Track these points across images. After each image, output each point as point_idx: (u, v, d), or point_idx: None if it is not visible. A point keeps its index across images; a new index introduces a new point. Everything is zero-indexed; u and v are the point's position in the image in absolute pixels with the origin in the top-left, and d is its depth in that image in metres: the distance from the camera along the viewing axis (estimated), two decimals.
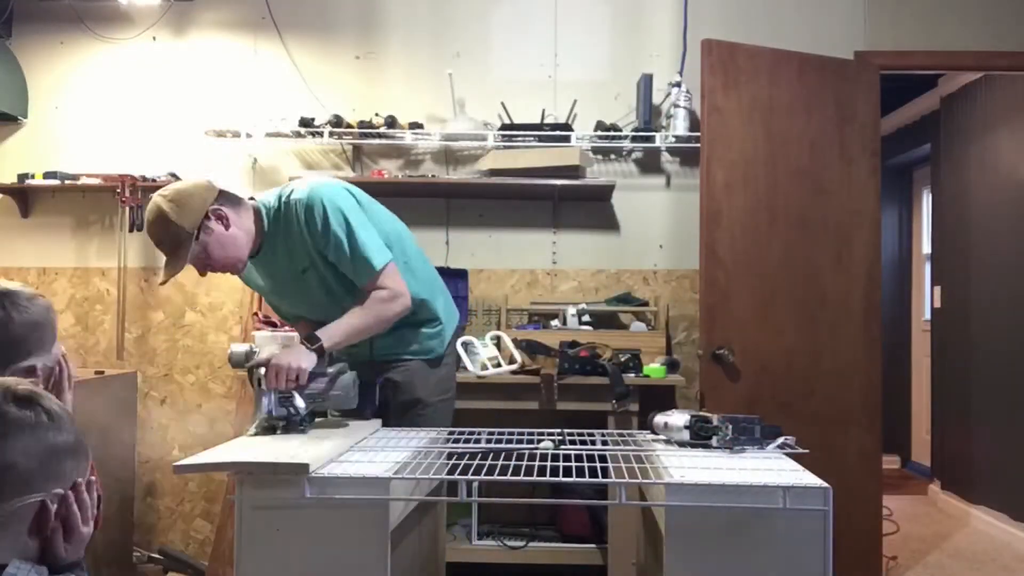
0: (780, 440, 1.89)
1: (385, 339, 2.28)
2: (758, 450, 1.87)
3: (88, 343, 3.78)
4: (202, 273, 2.16)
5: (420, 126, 3.60)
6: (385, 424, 2.23)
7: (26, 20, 3.82)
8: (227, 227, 2.10)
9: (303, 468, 1.61)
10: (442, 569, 2.43)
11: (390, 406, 2.33)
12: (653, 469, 1.76)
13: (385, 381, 2.31)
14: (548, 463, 1.74)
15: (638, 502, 2.09)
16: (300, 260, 2.19)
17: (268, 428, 1.96)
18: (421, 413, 2.31)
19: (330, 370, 2.08)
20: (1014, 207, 4.25)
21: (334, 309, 2.19)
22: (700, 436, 1.91)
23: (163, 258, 2.11)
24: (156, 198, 2.07)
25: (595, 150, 3.67)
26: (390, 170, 3.69)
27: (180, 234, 2.04)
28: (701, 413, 1.96)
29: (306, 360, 2.02)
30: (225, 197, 2.14)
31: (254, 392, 2.00)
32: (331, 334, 2.11)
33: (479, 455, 1.81)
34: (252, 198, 2.25)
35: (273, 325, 3.44)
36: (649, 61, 3.68)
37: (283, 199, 2.19)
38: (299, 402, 1.96)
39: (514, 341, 3.27)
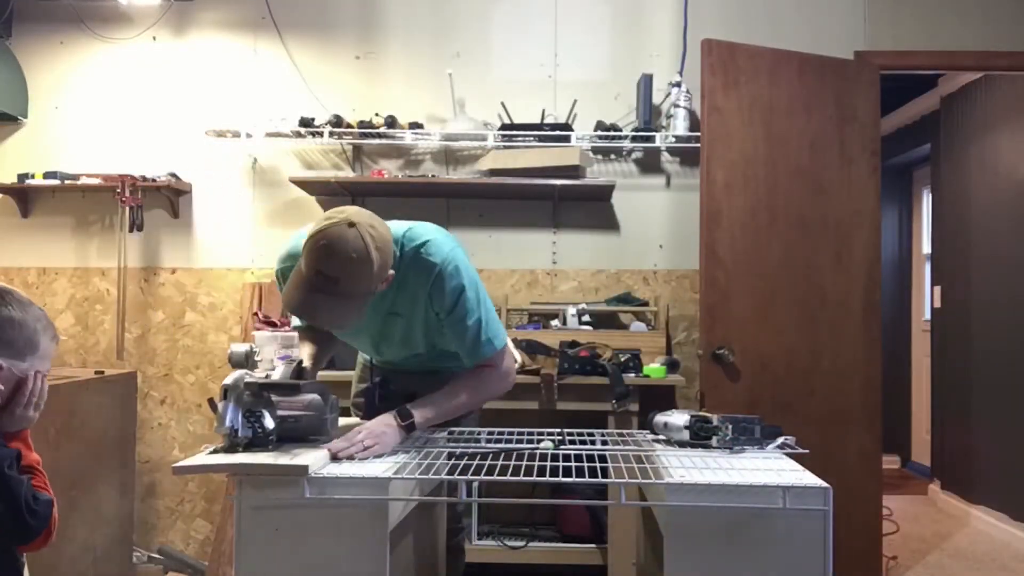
0: (780, 440, 1.89)
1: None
2: (758, 450, 1.87)
3: (88, 343, 3.78)
4: (312, 320, 1.89)
5: (420, 126, 3.60)
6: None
7: (26, 20, 3.83)
8: (379, 289, 1.83)
9: (302, 469, 1.61)
10: (442, 569, 2.43)
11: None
12: (653, 469, 1.76)
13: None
14: (548, 463, 1.74)
15: (638, 502, 2.09)
16: (399, 307, 1.99)
17: (231, 447, 1.73)
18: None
19: (306, 397, 1.87)
20: (1014, 207, 4.25)
21: (398, 352, 2.09)
22: (700, 436, 1.91)
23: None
24: (364, 229, 1.72)
25: (595, 150, 3.67)
26: (390, 170, 3.69)
27: (366, 286, 1.76)
28: (701, 413, 1.96)
29: (393, 440, 1.83)
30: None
31: (219, 404, 1.76)
32: (426, 413, 1.91)
33: (479, 455, 1.80)
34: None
35: (273, 325, 3.44)
36: (649, 61, 3.68)
37: (411, 251, 1.93)
38: (268, 422, 1.76)
39: (514, 341, 3.27)
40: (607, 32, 3.73)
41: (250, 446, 1.73)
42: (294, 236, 2.00)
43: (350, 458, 1.74)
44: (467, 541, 3.28)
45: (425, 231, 1.98)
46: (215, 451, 1.73)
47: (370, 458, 1.76)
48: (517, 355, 3.18)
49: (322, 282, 1.71)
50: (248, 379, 1.79)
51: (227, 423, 1.72)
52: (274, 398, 1.82)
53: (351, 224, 1.72)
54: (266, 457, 1.68)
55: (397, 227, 1.97)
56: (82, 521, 3.14)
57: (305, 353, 2.08)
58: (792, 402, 3.22)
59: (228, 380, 1.77)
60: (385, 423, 1.87)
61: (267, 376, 1.87)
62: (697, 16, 3.66)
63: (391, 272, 1.83)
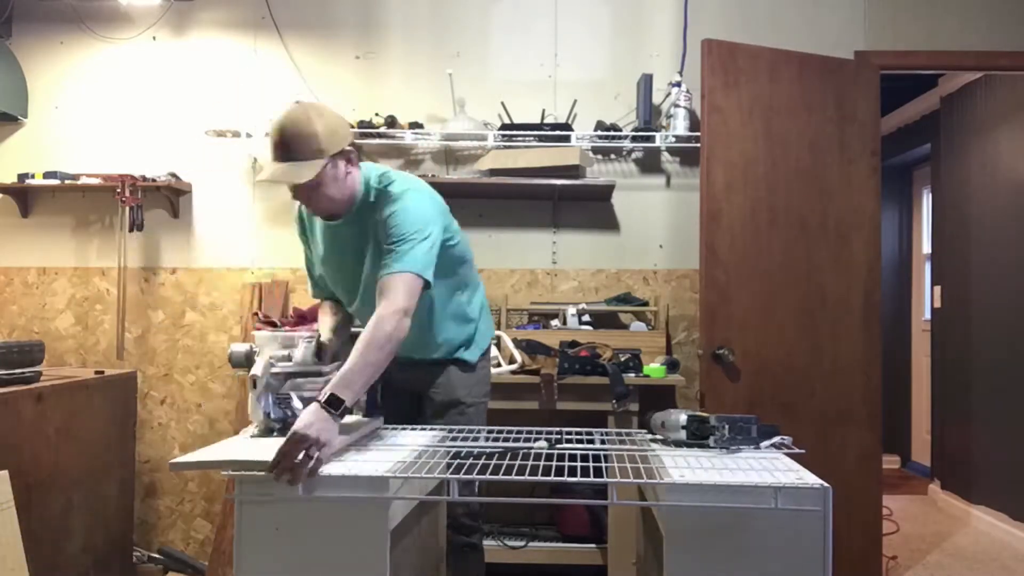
0: (775, 439, 1.89)
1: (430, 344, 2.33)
2: (754, 450, 1.87)
3: (88, 343, 3.78)
4: (301, 198, 2.10)
5: (420, 126, 3.60)
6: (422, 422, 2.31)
7: (26, 20, 3.83)
8: (349, 173, 2.07)
9: None
10: (442, 569, 2.43)
11: (425, 406, 2.39)
12: (653, 469, 1.76)
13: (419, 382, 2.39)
14: (550, 463, 1.74)
15: (638, 502, 2.09)
16: (363, 241, 2.17)
17: (266, 430, 1.94)
18: (463, 413, 2.37)
19: (326, 369, 2.00)
20: (1014, 207, 4.25)
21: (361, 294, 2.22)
22: (697, 436, 1.91)
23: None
24: (304, 106, 2.02)
25: (595, 150, 3.67)
26: None
27: (315, 149, 1.97)
28: (698, 413, 1.96)
29: (330, 433, 1.71)
30: (354, 145, 2.13)
31: (250, 393, 1.96)
32: (352, 387, 1.83)
33: (478, 455, 1.81)
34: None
35: (273, 325, 3.44)
36: (649, 61, 3.68)
37: (379, 189, 2.14)
38: (296, 404, 1.93)
39: (514, 341, 3.27)
40: (607, 32, 3.73)
41: (284, 429, 1.83)
42: None
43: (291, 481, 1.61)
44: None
45: (398, 175, 2.17)
46: (255, 435, 1.90)
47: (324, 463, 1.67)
48: (517, 355, 3.18)
49: (280, 152, 1.98)
50: (276, 368, 1.94)
51: (260, 409, 1.90)
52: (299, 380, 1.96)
53: (297, 103, 2.05)
54: (262, 454, 1.68)
55: (375, 168, 2.18)
56: (82, 521, 3.14)
57: (325, 327, 2.23)
58: (792, 402, 3.22)
59: (257, 370, 1.90)
60: (320, 420, 1.70)
61: (288, 356, 1.99)
62: (697, 16, 3.66)
63: (349, 149, 2.05)
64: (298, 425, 1.67)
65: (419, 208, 2.10)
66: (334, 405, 1.75)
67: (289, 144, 1.97)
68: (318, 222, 2.23)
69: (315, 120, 1.98)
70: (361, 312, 2.26)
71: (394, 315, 1.94)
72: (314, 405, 1.75)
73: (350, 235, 2.17)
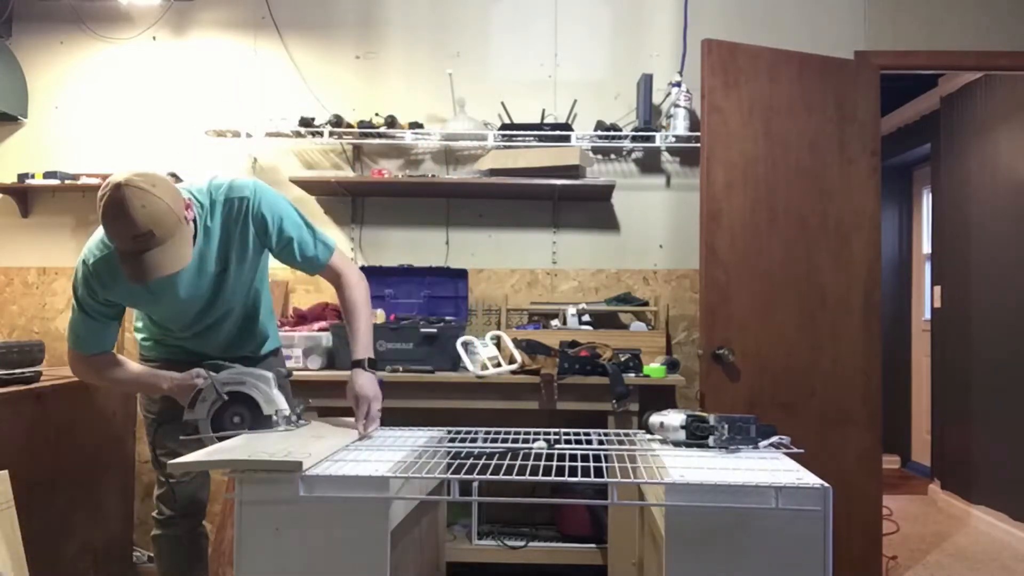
0: (775, 439, 1.89)
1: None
2: (753, 449, 1.87)
3: None
4: (164, 272, 1.87)
5: (420, 126, 3.60)
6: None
7: (26, 20, 3.83)
8: (189, 220, 1.93)
9: (296, 466, 1.60)
10: (442, 569, 2.43)
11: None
12: (653, 469, 1.76)
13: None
14: (550, 463, 1.74)
15: (638, 502, 2.09)
16: (227, 258, 2.11)
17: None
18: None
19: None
20: (1014, 207, 4.25)
21: (223, 320, 2.23)
22: (696, 436, 1.91)
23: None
24: (134, 180, 1.79)
25: (595, 150, 3.67)
26: (390, 170, 3.69)
27: (174, 220, 1.83)
28: (697, 413, 1.96)
29: (378, 388, 2.11)
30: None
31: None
32: (369, 347, 2.16)
33: (479, 455, 1.81)
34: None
35: None
36: (649, 61, 3.68)
37: (221, 196, 2.07)
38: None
39: (514, 341, 3.27)
40: (607, 32, 3.73)
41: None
42: (92, 237, 2.09)
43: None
44: (467, 541, 3.29)
45: (226, 176, 2.14)
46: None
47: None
48: (517, 355, 3.18)
49: (142, 242, 1.80)
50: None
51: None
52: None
53: (119, 187, 1.79)
54: (261, 454, 1.68)
55: (199, 183, 2.11)
56: (82, 521, 3.14)
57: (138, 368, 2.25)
58: (792, 402, 3.22)
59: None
60: (368, 380, 2.08)
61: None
62: (697, 16, 3.66)
63: (186, 199, 1.93)
64: (359, 390, 2.05)
65: (278, 196, 2.16)
66: (372, 365, 2.11)
67: (151, 231, 1.79)
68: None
69: (153, 193, 1.80)
70: (203, 332, 2.25)
71: (360, 279, 2.23)
72: (358, 370, 2.09)
73: (209, 255, 2.09)
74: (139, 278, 1.83)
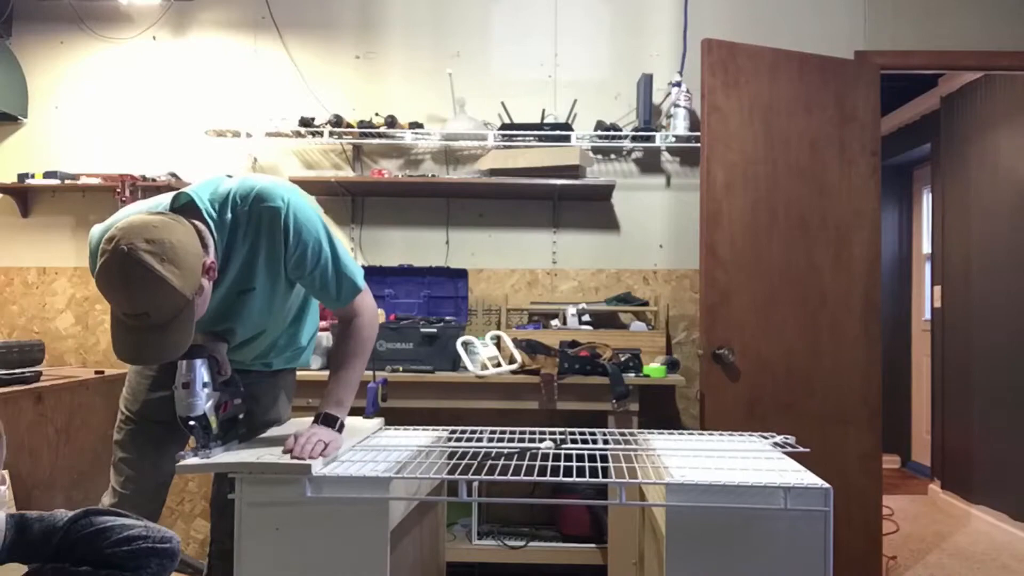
0: (778, 438, 1.89)
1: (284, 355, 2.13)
2: (750, 443, 1.87)
3: (88, 343, 3.78)
4: (155, 360, 1.72)
5: (420, 126, 3.60)
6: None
7: (26, 20, 3.83)
8: (204, 288, 1.65)
9: (305, 468, 1.61)
10: (442, 569, 2.43)
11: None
12: (654, 469, 1.76)
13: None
14: (549, 463, 1.74)
15: (638, 502, 2.09)
16: (251, 277, 1.82)
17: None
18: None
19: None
20: (1014, 207, 4.25)
21: (251, 336, 1.97)
22: None
23: None
24: (140, 254, 1.51)
25: (595, 150, 3.67)
26: (390, 170, 3.69)
27: (180, 302, 1.57)
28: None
29: (335, 438, 1.79)
30: (197, 230, 1.66)
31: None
32: (343, 405, 1.85)
33: (479, 455, 1.81)
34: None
35: None
36: (649, 61, 3.68)
37: (246, 207, 1.77)
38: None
39: (514, 341, 3.27)
40: (607, 32, 3.73)
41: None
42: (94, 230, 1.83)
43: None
44: (467, 541, 3.29)
45: (252, 180, 1.81)
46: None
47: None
48: (517, 355, 3.18)
49: (133, 319, 1.55)
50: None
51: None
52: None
53: (127, 251, 1.51)
54: (268, 456, 1.68)
55: (223, 187, 1.79)
56: None
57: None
58: (792, 402, 3.22)
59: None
60: (327, 431, 1.79)
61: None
62: (697, 16, 3.66)
63: (208, 260, 1.65)
64: (322, 433, 1.77)
65: (313, 214, 1.82)
66: (331, 422, 1.83)
67: (148, 312, 1.54)
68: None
69: (162, 272, 1.52)
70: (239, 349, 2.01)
71: (372, 325, 1.94)
72: (318, 425, 1.80)
73: (228, 274, 1.81)
74: (121, 354, 1.61)
